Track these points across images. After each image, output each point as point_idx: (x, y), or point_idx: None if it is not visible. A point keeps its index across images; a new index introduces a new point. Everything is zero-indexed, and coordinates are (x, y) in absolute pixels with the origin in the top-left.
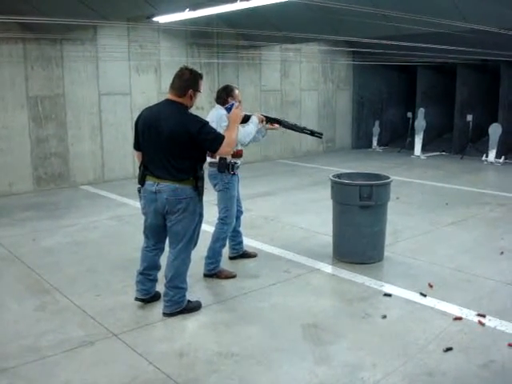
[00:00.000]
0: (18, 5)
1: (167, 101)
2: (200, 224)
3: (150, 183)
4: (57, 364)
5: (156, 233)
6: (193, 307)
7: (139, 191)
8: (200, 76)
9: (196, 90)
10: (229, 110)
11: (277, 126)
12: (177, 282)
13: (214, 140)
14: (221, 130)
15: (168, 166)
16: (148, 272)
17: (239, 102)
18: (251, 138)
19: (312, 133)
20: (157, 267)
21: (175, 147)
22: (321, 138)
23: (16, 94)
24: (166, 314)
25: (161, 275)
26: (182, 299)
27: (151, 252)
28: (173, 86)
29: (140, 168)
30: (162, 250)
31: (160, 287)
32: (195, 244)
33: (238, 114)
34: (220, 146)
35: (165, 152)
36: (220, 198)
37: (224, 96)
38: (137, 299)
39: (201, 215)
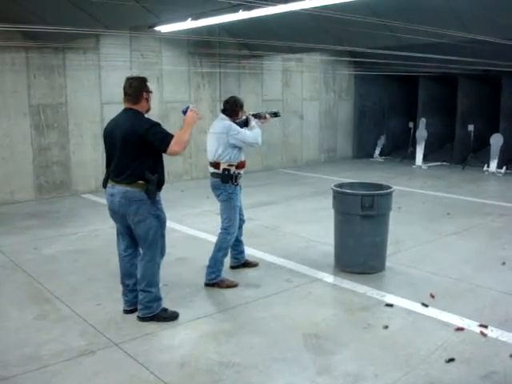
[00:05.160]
0: (20, 13)
1: (124, 109)
2: (162, 228)
3: (109, 186)
4: (57, 373)
5: (123, 236)
6: (166, 316)
7: None
8: (146, 79)
9: (147, 91)
10: (184, 112)
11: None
12: (143, 284)
13: (162, 140)
14: (237, 140)
15: (123, 169)
16: (125, 282)
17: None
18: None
19: (275, 114)
20: (131, 276)
21: (127, 150)
22: (279, 116)
23: (18, 102)
24: (139, 318)
25: None
26: (152, 304)
27: (123, 259)
28: (126, 97)
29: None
30: (135, 256)
31: None
32: (162, 249)
33: (193, 116)
34: (168, 145)
35: (119, 156)
36: (223, 208)
37: (238, 109)
38: (125, 311)
39: (158, 218)
